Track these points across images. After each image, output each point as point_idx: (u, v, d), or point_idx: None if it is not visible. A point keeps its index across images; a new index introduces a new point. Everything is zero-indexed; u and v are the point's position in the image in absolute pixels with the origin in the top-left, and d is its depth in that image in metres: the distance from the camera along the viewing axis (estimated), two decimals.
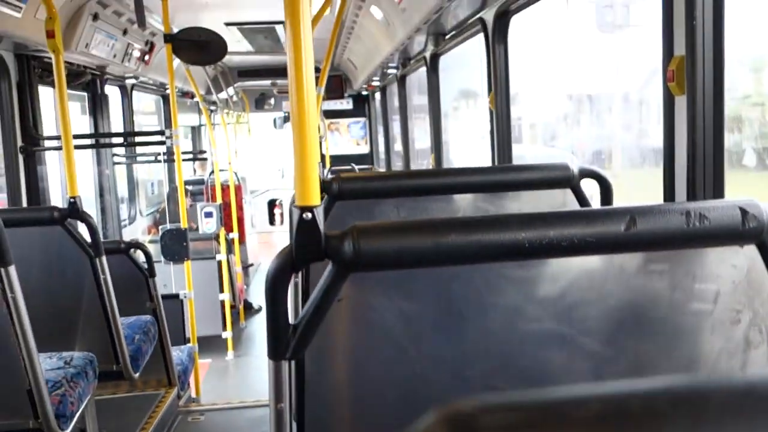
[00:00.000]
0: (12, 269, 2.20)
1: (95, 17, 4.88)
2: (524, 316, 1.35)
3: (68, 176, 3.34)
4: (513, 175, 2.24)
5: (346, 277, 1.20)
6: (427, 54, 5.46)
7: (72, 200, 3.17)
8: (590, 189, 2.23)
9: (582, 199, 2.16)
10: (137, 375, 3.42)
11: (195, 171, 10.41)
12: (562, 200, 2.19)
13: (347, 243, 1.18)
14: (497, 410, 0.67)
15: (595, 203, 2.23)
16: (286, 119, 12.12)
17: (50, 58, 3.38)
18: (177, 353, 4.46)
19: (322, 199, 2.16)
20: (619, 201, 2.24)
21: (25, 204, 4.78)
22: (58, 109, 3.46)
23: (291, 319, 1.24)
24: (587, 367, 1.36)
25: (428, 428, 0.65)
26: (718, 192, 1.92)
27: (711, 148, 1.89)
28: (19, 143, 4.80)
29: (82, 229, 3.29)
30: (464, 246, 1.21)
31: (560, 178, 2.16)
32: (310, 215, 1.21)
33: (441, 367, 1.36)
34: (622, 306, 1.35)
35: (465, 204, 2.28)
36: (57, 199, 5.59)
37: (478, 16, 3.92)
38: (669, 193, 2.04)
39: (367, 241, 1.19)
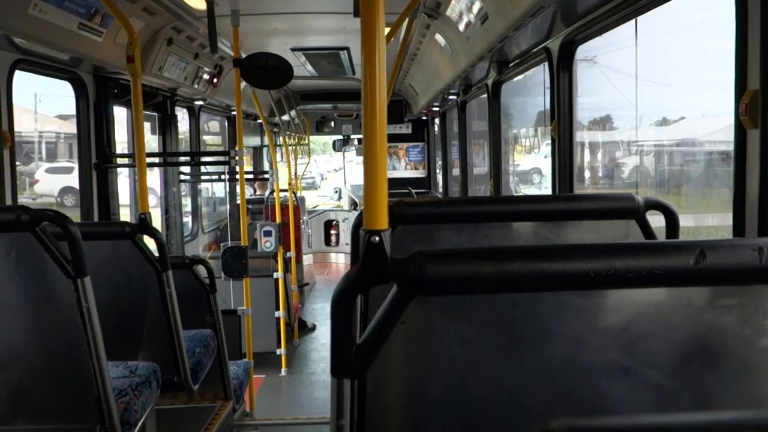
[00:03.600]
0: (87, 280, 2.31)
1: (170, 42, 5.10)
2: (586, 345, 1.34)
3: (140, 192, 3.48)
4: (576, 204, 2.22)
5: (410, 301, 1.23)
6: (489, 81, 5.48)
7: (142, 216, 3.29)
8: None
9: (647, 231, 2.13)
10: (196, 387, 3.51)
11: (255, 191, 10.64)
12: (626, 231, 2.16)
13: (412, 267, 1.20)
14: None
15: (661, 236, 2.18)
16: (345, 142, 12.31)
17: (125, 80, 3.55)
18: (233, 367, 4.55)
19: None
20: None
21: (96, 219, 4.99)
22: (134, 129, 3.62)
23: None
24: (650, 400, 1.34)
25: None
26: None
27: None
28: (93, 160, 5.03)
29: (150, 243, 3.42)
30: (528, 274, 1.22)
31: (625, 209, 2.13)
32: (377, 239, 1.24)
33: (500, 394, 1.36)
34: (689, 340, 1.33)
35: (525, 232, 2.27)
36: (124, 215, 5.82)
37: (543, 45, 3.93)
38: (739, 228, 1.99)
39: (432, 266, 1.21)
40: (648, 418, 0.69)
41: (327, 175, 33.38)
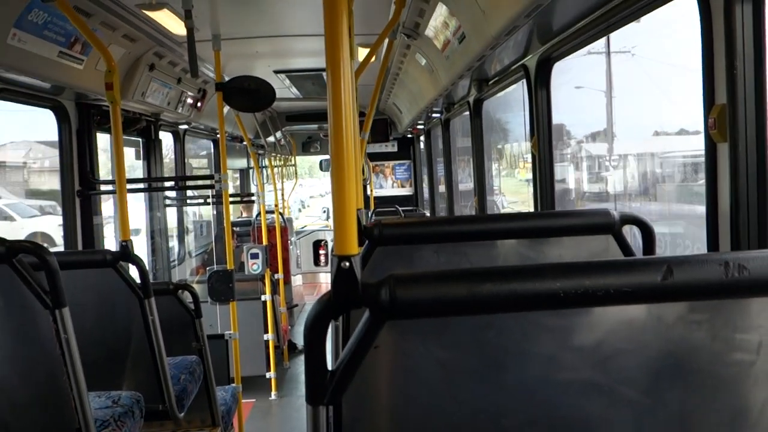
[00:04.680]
0: (66, 311, 2.29)
1: (151, 68, 5.11)
2: (561, 365, 1.35)
3: (121, 220, 3.47)
4: (554, 221, 2.24)
5: (382, 325, 1.22)
6: (471, 99, 5.53)
7: (124, 244, 3.29)
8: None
9: (624, 246, 2.15)
10: (182, 415, 3.47)
11: (242, 213, 10.62)
12: (604, 247, 2.18)
13: (384, 291, 1.20)
14: None
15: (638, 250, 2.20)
16: None
17: (108, 106, 3.55)
18: (221, 393, 4.51)
19: (363, 244, 2.21)
20: None
21: (80, 245, 4.96)
22: (114, 156, 3.62)
23: (332, 364, 1.27)
24: (627, 416, 1.34)
25: None
26: (764, 240, 1.89)
27: (755, 196, 1.87)
28: (77, 187, 5.01)
29: (133, 270, 3.41)
30: (499, 295, 1.22)
31: (602, 225, 2.16)
32: (348, 264, 1.24)
33: (478, 416, 1.35)
34: (661, 356, 1.33)
35: (506, 250, 2.28)
36: (110, 238, 5.78)
37: (520, 62, 3.97)
38: (712, 243, 2.00)
39: (404, 289, 1.21)
40: None
41: (310, 202, 26.32)
